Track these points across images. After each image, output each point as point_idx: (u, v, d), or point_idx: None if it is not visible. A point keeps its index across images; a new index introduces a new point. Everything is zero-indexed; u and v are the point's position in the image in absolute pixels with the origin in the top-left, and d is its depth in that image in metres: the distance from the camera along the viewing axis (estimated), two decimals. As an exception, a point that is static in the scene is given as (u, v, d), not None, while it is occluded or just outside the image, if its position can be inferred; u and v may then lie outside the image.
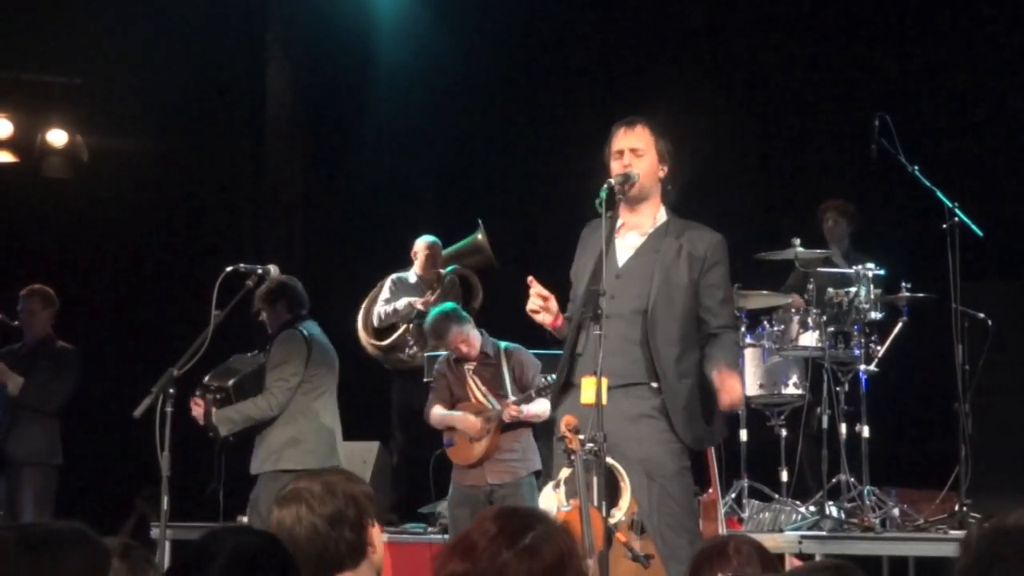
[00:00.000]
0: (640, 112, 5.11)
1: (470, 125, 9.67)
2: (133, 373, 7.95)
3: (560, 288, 5.06)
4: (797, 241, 7.14)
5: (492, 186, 9.66)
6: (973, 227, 6.72)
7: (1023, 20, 8.30)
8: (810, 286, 7.07)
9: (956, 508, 6.47)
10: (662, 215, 5.04)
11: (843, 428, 6.89)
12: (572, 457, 4.45)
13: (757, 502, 6.97)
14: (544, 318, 4.89)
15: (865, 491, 6.74)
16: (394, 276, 8.55)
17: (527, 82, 9.87)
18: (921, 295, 7.04)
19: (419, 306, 8.30)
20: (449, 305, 7.25)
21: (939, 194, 6.76)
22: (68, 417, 8.00)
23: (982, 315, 6.88)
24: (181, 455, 5.34)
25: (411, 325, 8.36)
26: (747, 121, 9.02)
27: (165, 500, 5.14)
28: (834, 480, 6.83)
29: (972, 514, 6.27)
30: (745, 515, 6.89)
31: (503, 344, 7.05)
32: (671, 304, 4.85)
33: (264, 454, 6.54)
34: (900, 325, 7.08)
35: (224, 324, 5.45)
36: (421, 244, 8.53)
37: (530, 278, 4.87)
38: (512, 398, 6.85)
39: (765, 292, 7.31)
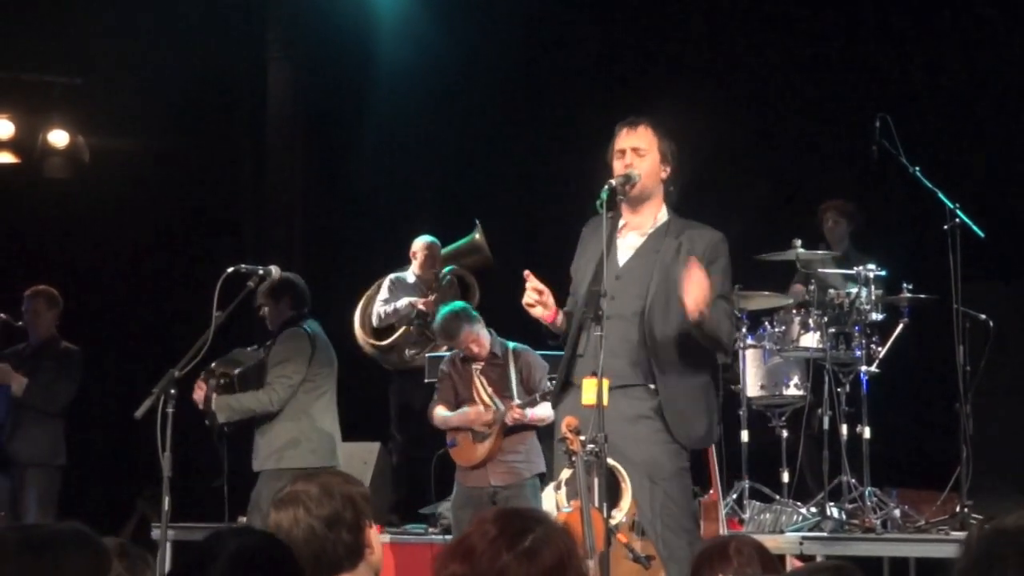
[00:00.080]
0: (640, 112, 5.11)
1: (470, 125, 9.67)
2: (133, 374, 7.97)
3: (559, 286, 5.06)
4: (798, 242, 7.14)
5: (492, 186, 9.66)
6: (974, 228, 6.72)
7: (1023, 20, 8.30)
8: (811, 287, 7.07)
9: (957, 509, 6.47)
10: (663, 215, 5.03)
11: (844, 429, 6.89)
12: (573, 458, 4.45)
13: (758, 503, 6.96)
14: (540, 312, 4.88)
15: (866, 492, 6.73)
16: (392, 276, 8.54)
17: (527, 82, 9.87)
18: (922, 296, 7.04)
19: (420, 306, 8.30)
20: (460, 304, 7.19)
21: (940, 195, 6.76)
22: (69, 418, 8.00)
23: (983, 316, 6.87)
24: (182, 456, 5.34)
25: (412, 327, 8.36)
26: (748, 121, 9.02)
27: (166, 501, 5.14)
28: (835, 481, 6.83)
29: (973, 515, 6.27)
30: (746, 516, 6.89)
31: (511, 344, 7.01)
32: (669, 304, 4.84)
33: (266, 452, 6.55)
34: (901, 326, 7.08)
35: (225, 325, 5.45)
36: (420, 244, 8.52)
37: (526, 272, 4.86)
38: (517, 401, 6.84)
39: (766, 293, 7.31)
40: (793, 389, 7.18)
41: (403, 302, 8.36)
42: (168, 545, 5.53)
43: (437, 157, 9.97)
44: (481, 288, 8.80)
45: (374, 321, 8.49)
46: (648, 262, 4.92)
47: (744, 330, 7.20)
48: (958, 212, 6.67)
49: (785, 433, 7.26)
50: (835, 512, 6.62)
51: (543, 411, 6.71)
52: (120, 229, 9.96)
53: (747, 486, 7.05)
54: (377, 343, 8.56)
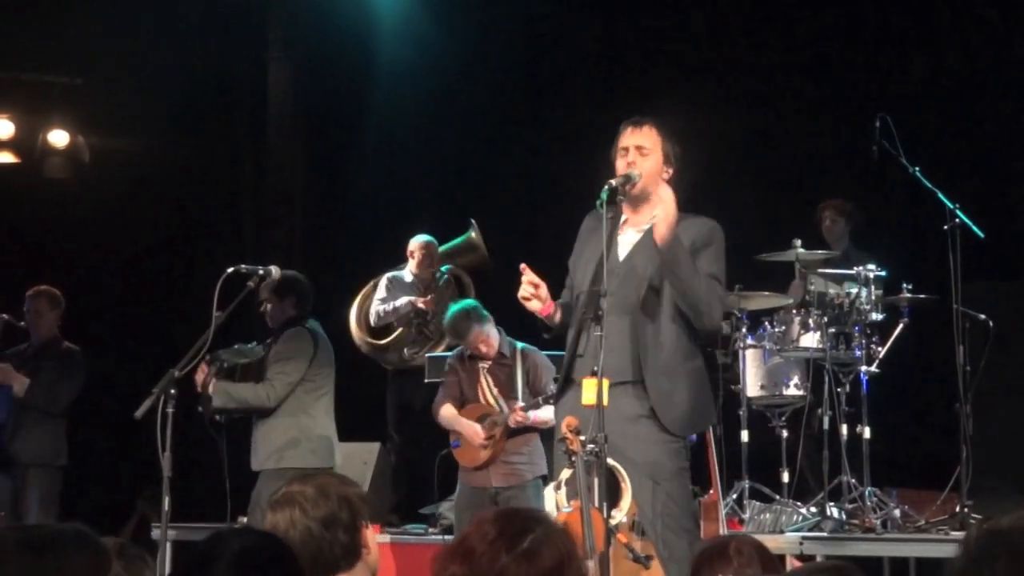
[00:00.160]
0: (640, 112, 5.11)
1: (470, 126, 9.66)
2: (134, 374, 7.97)
3: (558, 285, 5.07)
4: (798, 242, 7.14)
5: (491, 186, 9.66)
6: (974, 228, 6.72)
7: (1023, 20, 8.30)
8: (811, 287, 7.07)
9: (957, 509, 6.47)
10: (662, 213, 5.03)
11: (844, 429, 6.88)
12: (573, 458, 4.45)
13: (758, 503, 6.96)
14: (535, 305, 4.89)
15: (866, 492, 6.73)
16: (389, 274, 8.52)
17: (527, 82, 9.86)
18: (922, 296, 7.04)
19: (420, 305, 8.29)
20: (471, 303, 7.17)
21: (940, 195, 6.76)
22: (69, 418, 8.00)
23: (983, 316, 6.87)
24: (182, 456, 5.34)
25: (412, 327, 8.35)
26: (748, 121, 9.01)
27: (166, 501, 5.14)
28: (835, 481, 6.83)
29: (973, 515, 6.27)
30: (746, 516, 6.89)
31: (520, 345, 7.00)
32: (660, 298, 4.84)
33: (265, 452, 6.55)
34: (901, 326, 7.08)
35: (225, 325, 5.45)
36: (417, 243, 8.49)
37: (523, 265, 4.87)
38: (521, 403, 6.83)
39: (766, 293, 7.30)
40: (793, 389, 7.18)
41: (402, 301, 8.34)
42: (168, 545, 5.53)
43: (437, 157, 9.96)
44: (476, 287, 8.79)
45: (372, 320, 8.47)
46: (644, 259, 4.93)
47: (744, 330, 7.19)
48: (958, 212, 6.67)
49: (785, 433, 7.26)
50: (835, 512, 6.62)
51: (546, 414, 6.70)
52: (120, 229, 9.96)
53: (747, 486, 7.05)
54: (374, 341, 8.55)
